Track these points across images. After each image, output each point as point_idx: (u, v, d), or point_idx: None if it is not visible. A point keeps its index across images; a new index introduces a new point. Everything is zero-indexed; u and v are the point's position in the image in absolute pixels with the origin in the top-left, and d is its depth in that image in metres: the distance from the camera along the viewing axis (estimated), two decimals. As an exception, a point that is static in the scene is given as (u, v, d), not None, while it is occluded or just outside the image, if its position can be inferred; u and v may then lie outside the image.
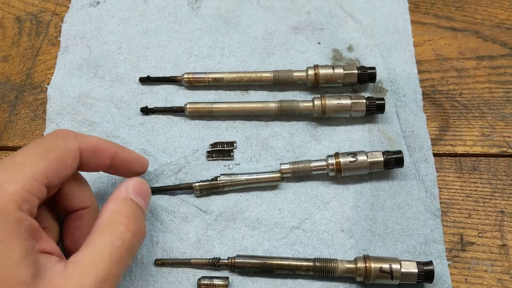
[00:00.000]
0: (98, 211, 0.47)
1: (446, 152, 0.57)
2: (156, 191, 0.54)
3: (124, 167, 0.49)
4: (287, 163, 0.55)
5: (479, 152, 0.56)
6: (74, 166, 0.43)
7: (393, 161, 0.53)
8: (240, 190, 0.54)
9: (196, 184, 0.53)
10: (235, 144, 0.57)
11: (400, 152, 0.53)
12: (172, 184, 0.55)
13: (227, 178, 0.53)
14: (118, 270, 0.39)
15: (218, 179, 0.53)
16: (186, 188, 0.54)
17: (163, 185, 0.54)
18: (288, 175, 0.54)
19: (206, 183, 0.53)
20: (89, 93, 0.60)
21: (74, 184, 0.46)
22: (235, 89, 0.61)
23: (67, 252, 0.45)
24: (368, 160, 0.53)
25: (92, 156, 0.45)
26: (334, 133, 0.58)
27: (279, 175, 0.54)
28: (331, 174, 0.54)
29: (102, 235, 0.40)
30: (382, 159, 0.53)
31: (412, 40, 0.64)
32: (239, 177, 0.53)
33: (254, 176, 0.54)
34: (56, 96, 0.60)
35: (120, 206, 0.43)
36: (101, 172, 0.49)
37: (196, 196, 0.54)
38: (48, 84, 0.61)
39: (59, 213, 0.47)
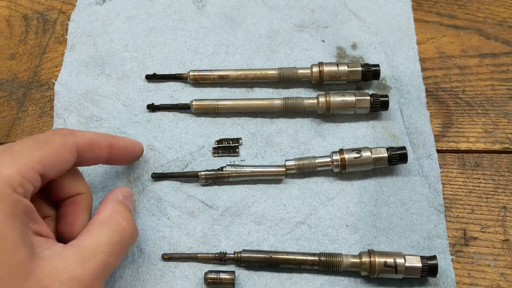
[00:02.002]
0: (91, 197, 0.48)
1: (449, 148, 0.57)
2: (162, 176, 0.55)
3: (121, 155, 0.51)
4: (292, 160, 0.55)
5: (482, 149, 0.57)
6: (70, 161, 0.44)
7: (397, 157, 0.53)
8: (245, 183, 0.55)
9: (202, 172, 0.54)
10: (240, 141, 0.58)
11: (404, 148, 0.54)
12: (178, 172, 0.56)
13: (233, 169, 0.54)
14: (113, 263, 0.41)
15: (224, 170, 0.54)
16: (191, 176, 0.55)
17: (170, 179, 0.55)
18: (293, 171, 0.55)
19: (212, 172, 0.54)
20: (95, 90, 0.61)
21: (67, 172, 0.46)
22: (240, 86, 0.62)
23: (61, 237, 0.46)
24: (373, 156, 0.53)
25: (89, 150, 0.46)
26: (338, 129, 0.59)
27: (284, 169, 0.54)
28: (336, 170, 0.55)
29: (103, 228, 0.42)
30: (386, 155, 0.53)
31: (415, 38, 0.65)
32: (245, 169, 0.54)
33: (259, 169, 0.54)
34: (63, 92, 0.61)
35: (118, 206, 0.46)
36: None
37: (202, 185, 0.54)
38: (56, 80, 0.62)
39: (53, 200, 0.47)
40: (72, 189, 0.46)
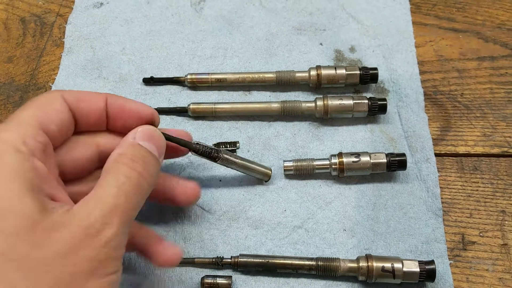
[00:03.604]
0: None
1: (447, 152, 0.57)
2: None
3: (124, 115, 0.45)
4: (290, 161, 0.55)
5: (480, 152, 0.57)
6: (63, 111, 0.41)
7: (396, 164, 0.53)
8: (234, 174, 0.55)
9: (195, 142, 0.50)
10: (238, 144, 0.58)
11: (403, 155, 0.53)
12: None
13: (227, 154, 0.51)
14: (126, 204, 0.37)
15: (220, 149, 0.51)
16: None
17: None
18: (291, 172, 0.55)
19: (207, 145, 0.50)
20: (93, 93, 0.61)
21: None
22: (238, 89, 0.62)
23: None
24: (371, 161, 0.53)
25: (79, 102, 0.43)
26: (336, 133, 0.58)
27: (270, 172, 0.54)
28: (334, 173, 0.54)
29: (107, 177, 0.39)
30: (385, 160, 0.53)
31: (414, 41, 0.64)
32: (236, 159, 0.52)
33: (248, 164, 0.53)
34: (60, 97, 0.61)
35: (125, 150, 0.41)
36: None
37: (193, 153, 0.50)
38: (53, 83, 0.62)
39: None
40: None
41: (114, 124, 0.46)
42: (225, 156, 0.50)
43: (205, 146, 0.49)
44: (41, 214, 0.34)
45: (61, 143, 0.43)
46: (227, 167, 0.52)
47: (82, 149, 0.44)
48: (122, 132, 0.45)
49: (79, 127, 0.44)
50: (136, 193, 0.39)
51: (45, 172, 0.37)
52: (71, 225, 0.35)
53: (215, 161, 0.50)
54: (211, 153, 0.49)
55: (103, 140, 0.46)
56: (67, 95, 0.42)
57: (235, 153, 0.56)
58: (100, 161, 0.45)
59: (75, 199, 0.39)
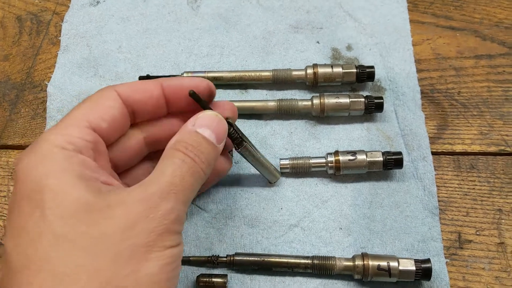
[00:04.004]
0: None
1: (444, 150, 0.57)
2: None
3: (185, 98, 0.45)
4: (287, 159, 0.55)
5: (477, 151, 0.57)
6: (115, 107, 0.42)
7: (392, 162, 0.53)
8: (248, 168, 0.55)
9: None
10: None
11: (400, 153, 0.53)
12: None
13: (250, 146, 0.49)
14: (181, 184, 0.38)
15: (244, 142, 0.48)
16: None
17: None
18: (288, 170, 0.55)
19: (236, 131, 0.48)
20: (89, 91, 0.61)
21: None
22: (234, 88, 0.62)
23: None
24: (368, 159, 0.53)
25: (133, 93, 0.43)
26: (333, 131, 0.58)
27: (279, 175, 0.55)
28: (330, 171, 0.54)
29: (163, 161, 0.39)
30: (381, 159, 0.53)
31: (411, 39, 0.64)
32: (257, 152, 0.51)
33: (264, 161, 0.52)
34: (56, 94, 0.60)
35: (182, 137, 0.41)
36: None
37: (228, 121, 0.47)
38: (48, 82, 0.62)
39: None
40: None
41: (176, 107, 0.46)
42: (248, 146, 0.49)
43: (238, 129, 0.48)
44: (96, 197, 0.35)
45: (117, 137, 0.44)
46: (243, 157, 0.50)
47: (132, 141, 0.46)
48: (187, 112, 0.45)
49: (139, 117, 0.45)
50: (191, 176, 0.39)
51: (95, 165, 0.39)
52: (128, 201, 0.36)
53: (237, 148, 0.49)
54: (238, 138, 0.48)
55: (159, 128, 0.47)
56: (121, 89, 0.43)
57: (233, 159, 0.56)
58: (152, 148, 0.47)
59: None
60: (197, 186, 0.40)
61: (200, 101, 0.44)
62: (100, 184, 0.37)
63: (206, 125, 0.42)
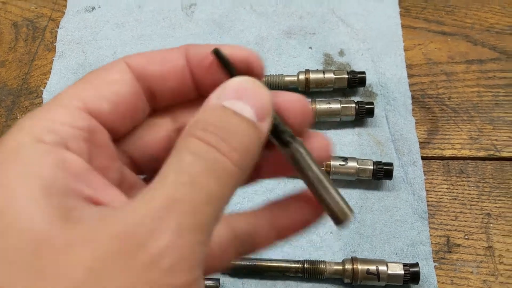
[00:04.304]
0: None
1: (434, 155, 0.58)
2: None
3: (216, 72, 0.29)
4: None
5: (467, 155, 0.57)
6: (125, 79, 0.28)
7: (382, 172, 0.53)
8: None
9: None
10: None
11: (391, 164, 0.54)
12: None
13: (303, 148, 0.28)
14: (191, 195, 0.23)
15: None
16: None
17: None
18: (278, 178, 0.55)
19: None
20: (84, 97, 0.62)
21: None
22: (227, 93, 0.62)
23: None
24: (358, 166, 0.54)
25: (151, 66, 0.29)
26: (324, 136, 0.59)
27: (349, 214, 0.27)
28: (321, 177, 0.55)
29: (167, 161, 0.24)
30: (371, 167, 0.53)
31: (403, 45, 0.65)
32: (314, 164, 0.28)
33: (327, 184, 0.28)
34: (51, 101, 0.61)
35: (200, 117, 0.26)
36: None
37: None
38: (44, 88, 0.62)
39: None
40: None
41: (208, 84, 0.30)
42: (300, 149, 0.27)
43: (285, 122, 0.28)
44: (56, 227, 0.22)
45: (130, 125, 0.30)
46: (295, 167, 0.28)
47: (161, 133, 0.31)
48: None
49: (162, 99, 0.30)
50: (210, 177, 0.23)
51: (82, 167, 0.26)
52: (99, 239, 0.22)
53: (283, 148, 0.27)
54: (283, 135, 0.27)
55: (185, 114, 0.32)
56: (133, 60, 0.29)
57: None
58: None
59: None
60: (226, 192, 0.25)
61: (228, 65, 0.29)
62: (75, 203, 0.24)
63: (237, 96, 0.26)
